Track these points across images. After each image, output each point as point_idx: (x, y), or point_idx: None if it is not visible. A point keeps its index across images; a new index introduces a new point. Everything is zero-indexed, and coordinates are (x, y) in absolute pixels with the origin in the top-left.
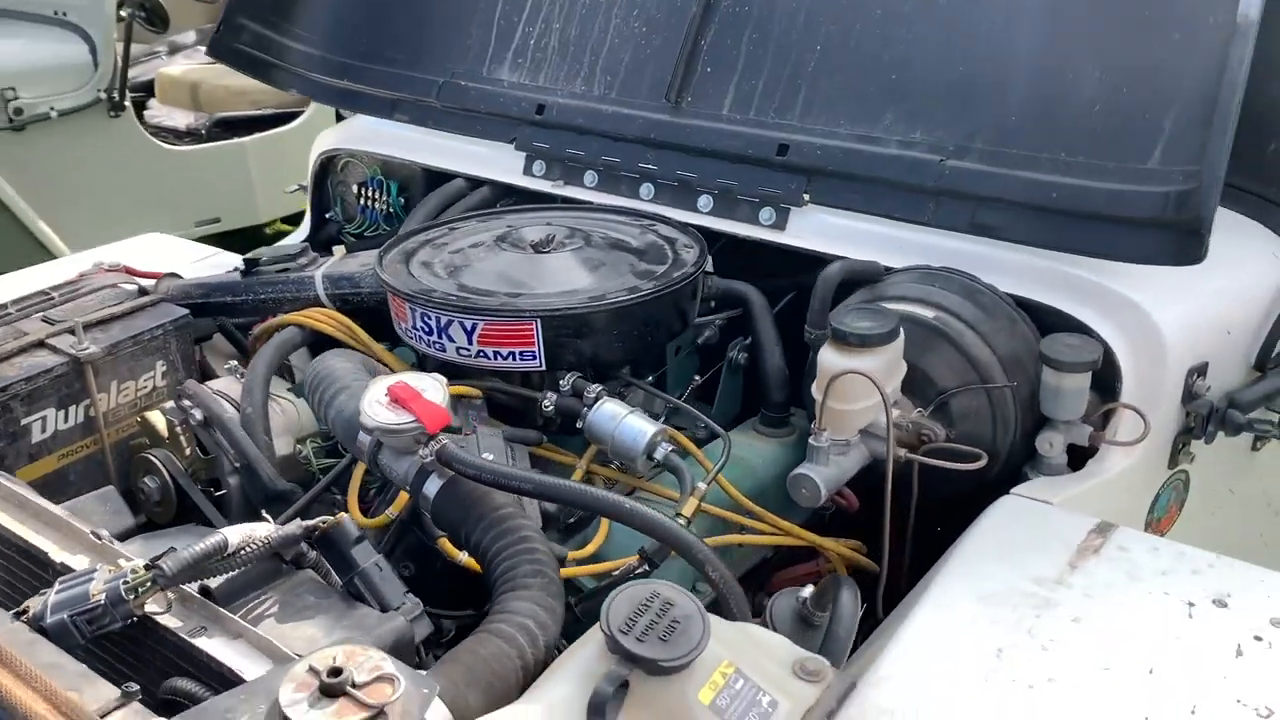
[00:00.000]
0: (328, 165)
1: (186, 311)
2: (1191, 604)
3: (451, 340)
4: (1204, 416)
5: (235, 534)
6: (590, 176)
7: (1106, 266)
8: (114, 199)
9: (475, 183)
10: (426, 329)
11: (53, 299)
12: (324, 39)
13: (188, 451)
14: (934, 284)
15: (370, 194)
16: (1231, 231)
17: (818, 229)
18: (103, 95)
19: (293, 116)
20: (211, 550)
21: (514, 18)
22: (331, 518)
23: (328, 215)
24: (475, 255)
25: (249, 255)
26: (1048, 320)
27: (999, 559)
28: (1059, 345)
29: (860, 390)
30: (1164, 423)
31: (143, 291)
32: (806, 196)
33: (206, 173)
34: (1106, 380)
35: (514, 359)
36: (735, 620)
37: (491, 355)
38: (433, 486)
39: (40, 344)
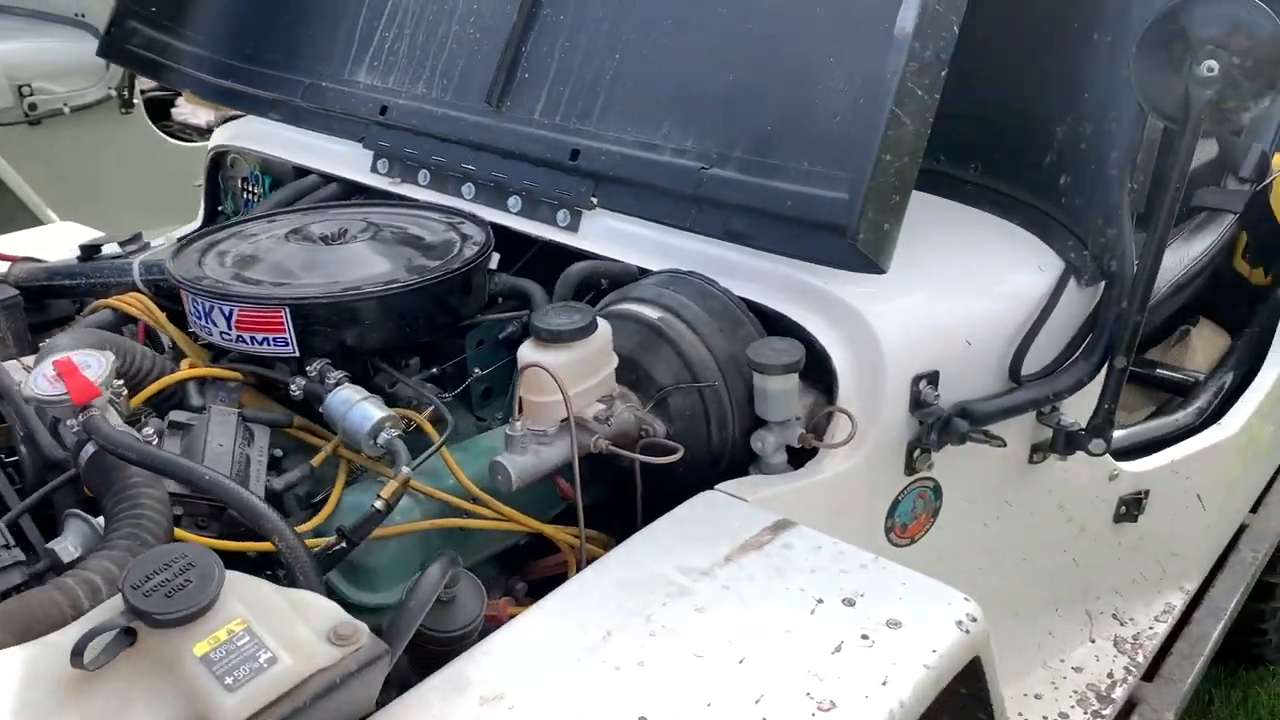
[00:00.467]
0: (219, 160)
1: (16, 292)
2: (820, 601)
3: (215, 324)
4: (930, 425)
5: None
6: (423, 175)
7: (840, 275)
8: (123, 192)
9: (329, 179)
10: (196, 313)
11: None
12: (211, 41)
13: None
14: (671, 286)
15: (250, 189)
16: (998, 242)
17: (604, 232)
18: (113, 93)
19: None
20: None
21: (374, 23)
22: None
23: (220, 208)
24: (265, 247)
25: (87, 242)
26: (781, 325)
27: (662, 547)
28: (764, 349)
29: (544, 382)
30: (891, 429)
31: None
32: (594, 200)
33: None
34: (829, 384)
35: (268, 344)
36: (300, 587)
37: (249, 340)
38: (86, 456)
39: None
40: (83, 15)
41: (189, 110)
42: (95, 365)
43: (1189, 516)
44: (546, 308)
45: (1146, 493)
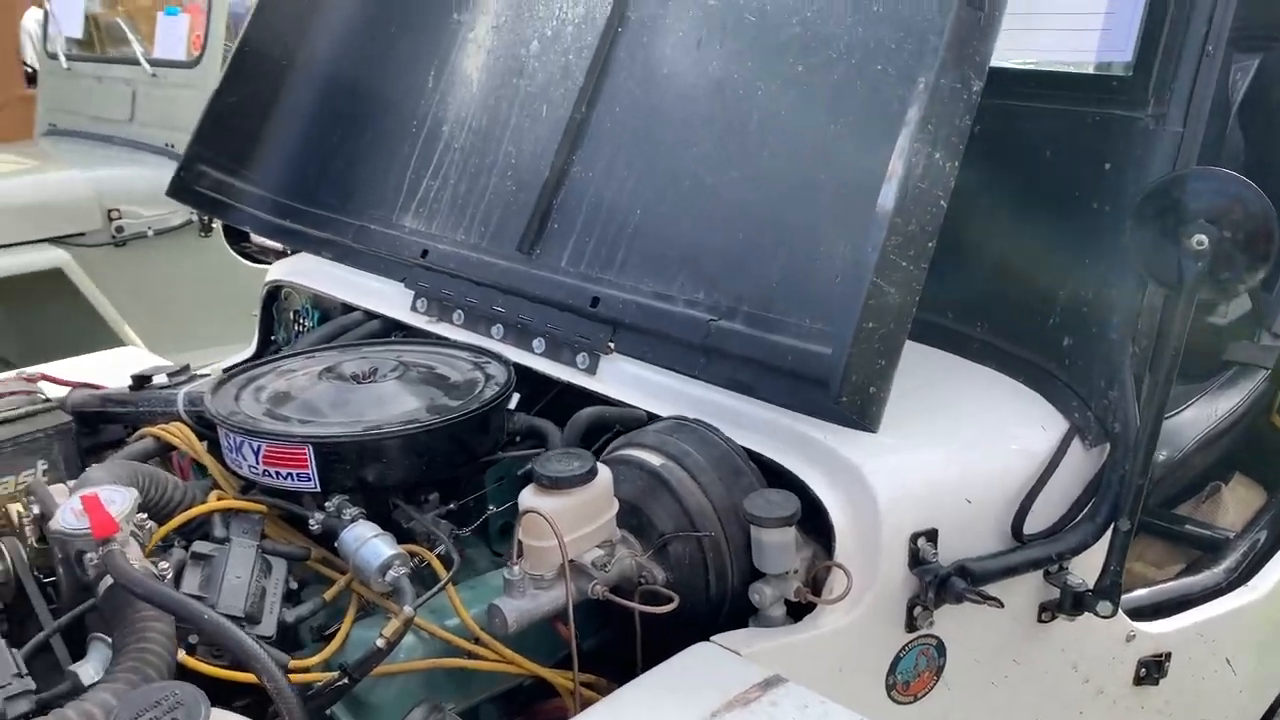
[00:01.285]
0: (275, 293)
1: (69, 419)
2: None
3: (245, 459)
4: (927, 583)
5: None
6: (458, 315)
7: (841, 429)
8: (198, 311)
9: (372, 316)
10: (229, 446)
11: None
12: (271, 183)
13: (31, 541)
14: (675, 434)
15: (301, 322)
16: (1002, 400)
17: (620, 376)
18: (194, 218)
19: None
20: None
21: (421, 172)
22: None
23: (273, 338)
24: (299, 384)
25: (139, 371)
26: (781, 476)
27: (651, 702)
28: (761, 501)
29: (541, 528)
30: (890, 585)
31: (46, 400)
32: (611, 345)
33: None
34: (827, 538)
35: (292, 480)
36: None
37: (275, 475)
38: (103, 588)
39: None
40: (172, 146)
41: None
42: (119, 501)
43: (1217, 681)
44: (548, 454)
45: (1168, 655)
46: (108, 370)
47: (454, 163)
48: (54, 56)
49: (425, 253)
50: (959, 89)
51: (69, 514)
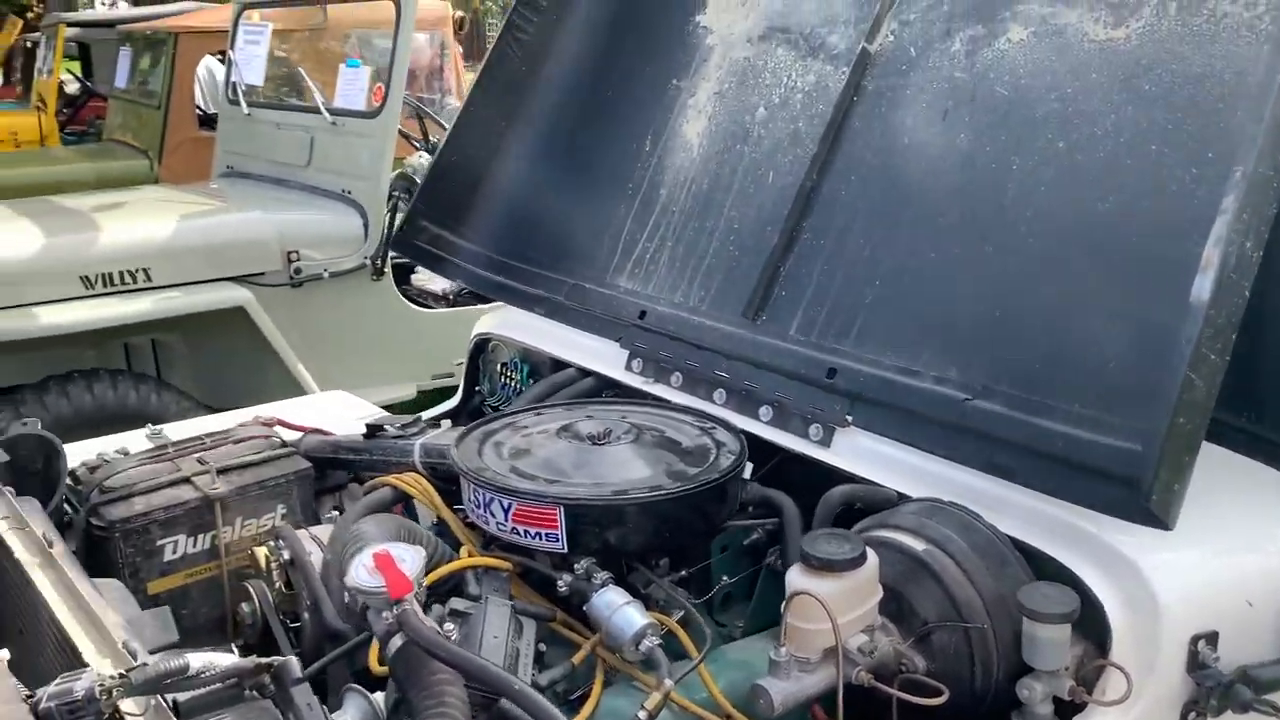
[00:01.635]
0: (482, 345)
1: (309, 465)
2: None
3: (493, 515)
4: (1209, 689)
5: (198, 660)
6: (676, 377)
7: (1112, 521)
8: (366, 350)
9: (585, 373)
10: (476, 502)
11: (205, 443)
12: (485, 240)
13: (278, 585)
14: (934, 517)
15: (509, 374)
16: (1277, 497)
17: (858, 451)
18: (367, 262)
19: None
20: (173, 670)
21: (637, 235)
22: (280, 658)
23: (477, 388)
24: (539, 442)
25: (373, 421)
26: (1046, 567)
27: None
28: (1036, 594)
29: (813, 611)
30: (1166, 689)
31: (284, 444)
32: (849, 419)
33: (447, 333)
34: (1100, 635)
35: (540, 539)
36: None
37: (522, 533)
38: (394, 646)
39: (185, 480)
40: (348, 192)
41: (426, 277)
42: (410, 560)
43: None
44: (816, 534)
45: None
46: (321, 413)
47: (672, 225)
48: (235, 102)
49: (643, 314)
50: (1271, 177)
51: (362, 571)
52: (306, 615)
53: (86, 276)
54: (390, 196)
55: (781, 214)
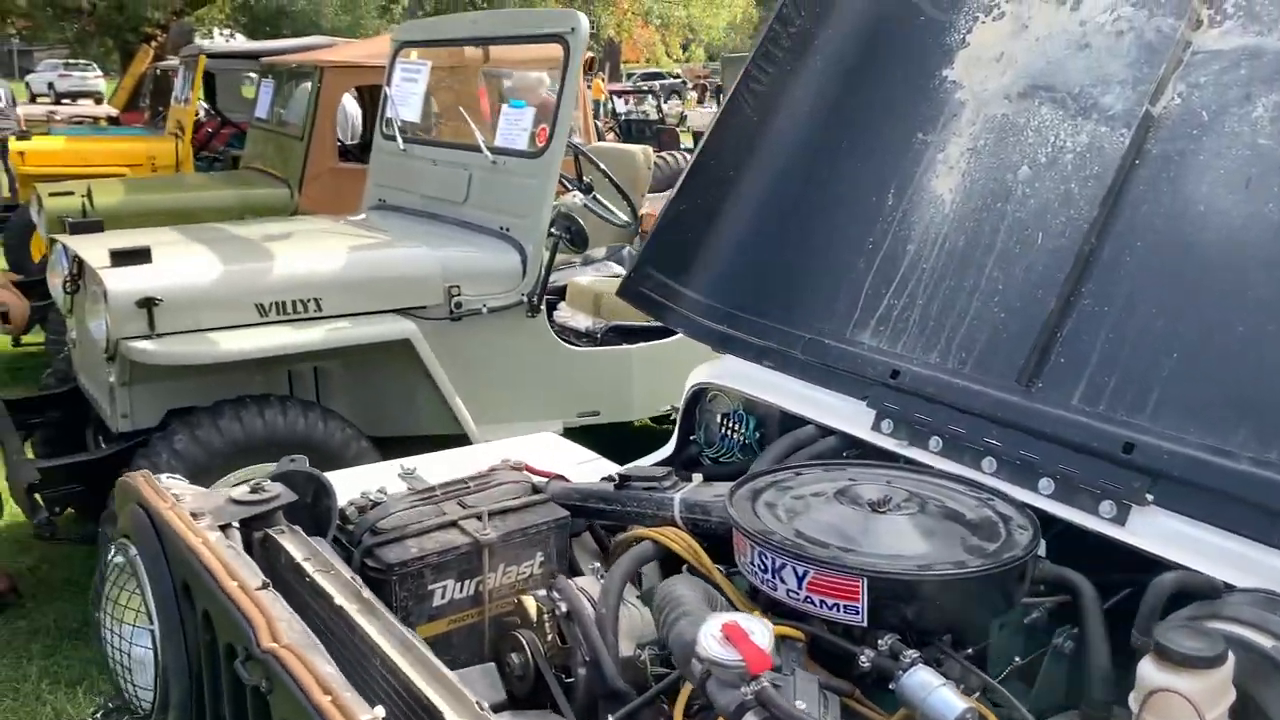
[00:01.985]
0: (699, 395)
1: (567, 514)
2: None
3: (783, 582)
4: None
5: None
6: (935, 442)
7: None
8: (518, 385)
9: (825, 431)
10: (762, 566)
11: (469, 487)
12: (712, 290)
13: (550, 638)
14: (1276, 611)
15: (731, 425)
16: None
17: (1159, 531)
18: (524, 298)
19: (674, 332)
20: None
21: (881, 290)
22: None
23: (691, 438)
24: (815, 504)
25: (622, 471)
26: None
27: None
28: None
29: (1177, 711)
30: None
31: (535, 489)
32: (1150, 497)
33: (595, 371)
34: None
35: (838, 610)
36: None
37: (817, 603)
38: None
39: (454, 524)
40: (506, 229)
41: (569, 314)
42: (760, 633)
43: None
44: (1169, 626)
45: None
46: (539, 456)
47: (922, 282)
48: (390, 138)
49: (895, 373)
50: None
51: (712, 642)
52: (582, 671)
53: (261, 304)
54: (550, 235)
55: (1056, 277)
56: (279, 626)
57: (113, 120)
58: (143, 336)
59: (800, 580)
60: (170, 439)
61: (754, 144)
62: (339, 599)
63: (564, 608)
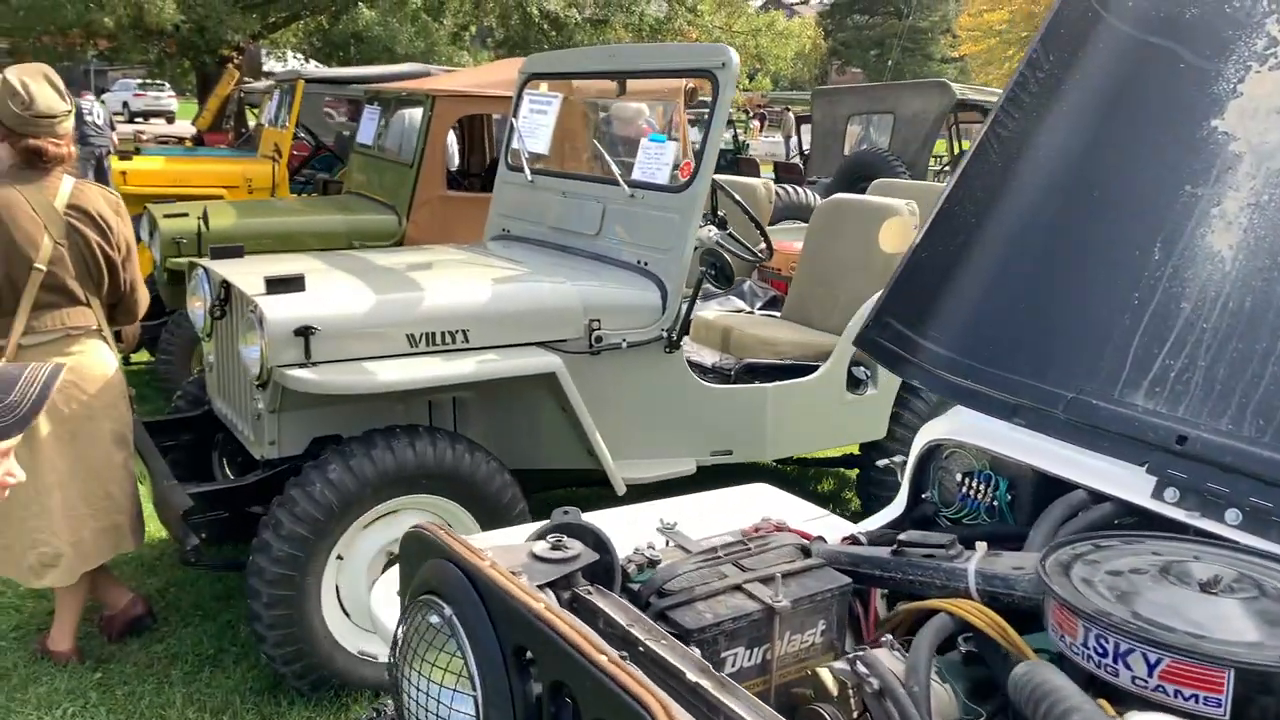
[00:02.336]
0: (933, 452)
1: (849, 581)
2: None
3: (1129, 669)
4: None
5: None
6: (1233, 514)
7: None
8: (654, 421)
9: (1097, 497)
10: (1100, 650)
11: (748, 549)
12: (954, 342)
13: (855, 714)
14: None
15: (975, 485)
16: None
17: None
18: (664, 334)
19: (810, 369)
20: None
21: (1153, 349)
22: None
23: (923, 496)
24: (1140, 582)
25: (901, 537)
26: None
27: None
28: None
29: None
30: None
31: (805, 552)
32: None
33: (730, 409)
34: None
35: (1196, 702)
36: None
37: (1171, 693)
38: None
39: (739, 588)
40: (645, 263)
41: (694, 349)
42: None
43: None
44: None
45: None
46: (762, 508)
47: (1203, 343)
48: (515, 169)
49: (1182, 439)
50: None
51: None
52: None
53: (412, 334)
54: (699, 271)
55: None
56: (676, 712)
57: (197, 141)
58: (298, 364)
59: (1152, 668)
60: (324, 468)
61: (1001, 191)
62: (691, 674)
63: (875, 684)
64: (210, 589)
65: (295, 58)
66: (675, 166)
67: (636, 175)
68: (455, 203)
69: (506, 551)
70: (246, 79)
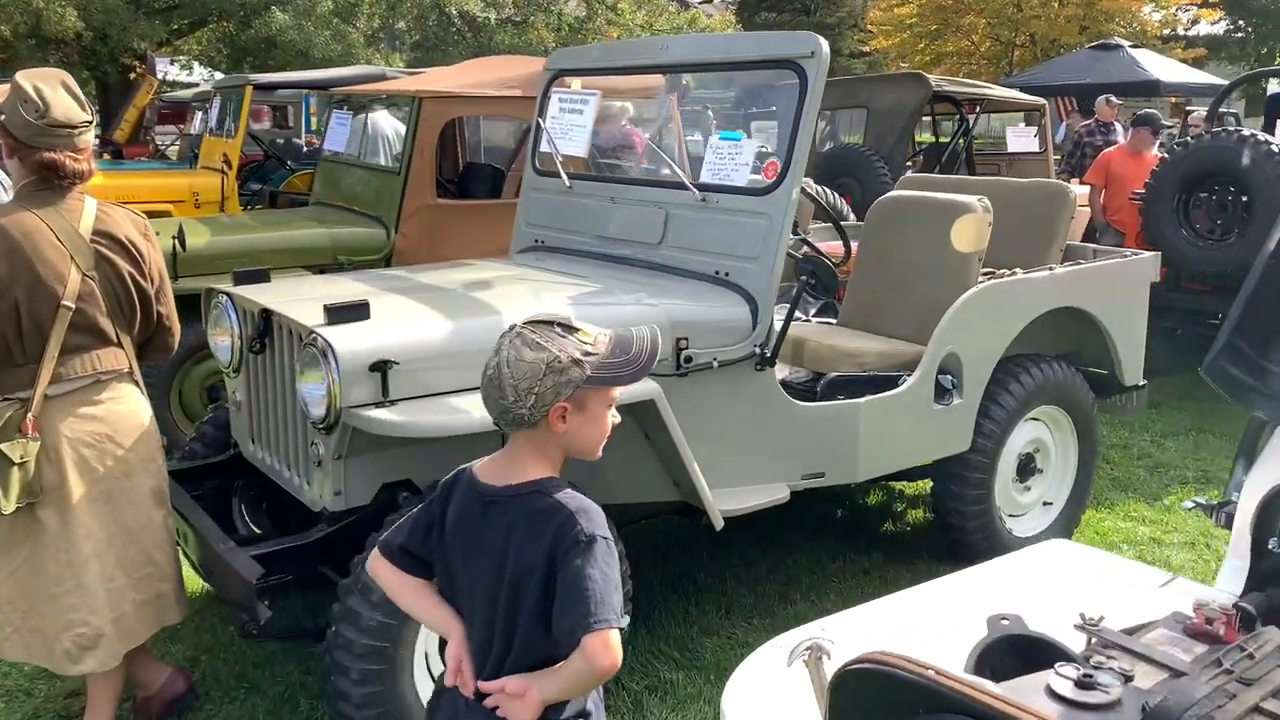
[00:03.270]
0: (1276, 498)
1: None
2: None
3: None
4: None
5: None
6: None
7: None
8: (745, 445)
9: None
10: None
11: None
12: None
13: None
14: None
15: None
16: None
17: None
18: (757, 350)
19: (895, 381)
20: None
21: None
22: None
23: (1271, 546)
24: None
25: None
26: None
27: None
28: None
29: None
30: None
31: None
32: None
33: (821, 429)
34: None
35: None
36: None
37: None
38: None
39: (1257, 710)
40: (725, 274)
41: (783, 369)
42: None
43: None
44: None
45: None
46: (1069, 578)
47: None
48: (546, 174)
49: None
50: None
51: None
52: None
53: None
54: (797, 280)
55: None
56: None
57: (115, 154)
58: (374, 404)
59: None
60: None
61: None
62: None
63: None
64: (250, 655)
65: (203, 68)
66: (757, 167)
67: (705, 177)
68: (445, 211)
69: (1013, 691)
70: (165, 89)
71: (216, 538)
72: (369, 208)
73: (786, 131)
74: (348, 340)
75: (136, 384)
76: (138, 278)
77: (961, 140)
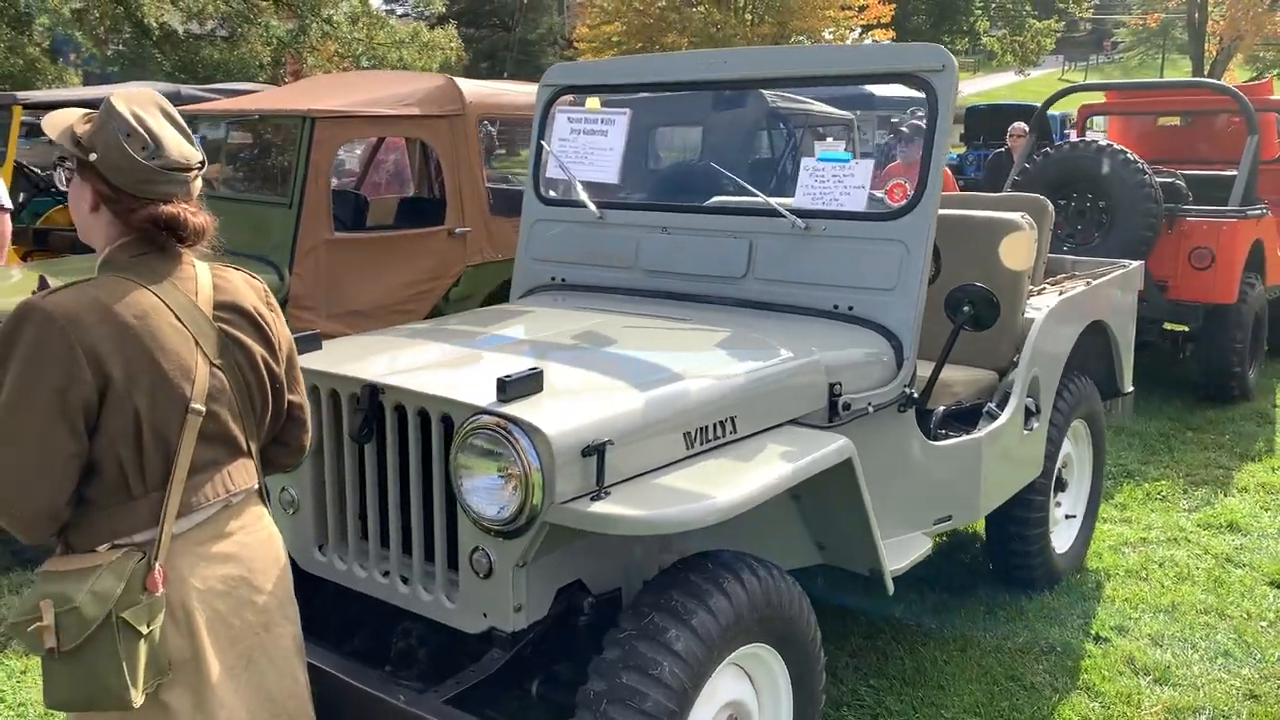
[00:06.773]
0: None
1: None
2: None
3: None
4: None
5: None
6: None
7: None
8: (891, 494)
9: None
10: None
11: None
12: None
13: None
14: None
15: None
16: None
17: None
18: (905, 391)
19: (977, 411)
20: None
21: None
22: None
23: None
24: None
25: None
26: None
27: None
28: None
29: None
30: None
31: None
32: None
33: (950, 469)
34: None
35: None
36: None
37: None
38: None
39: None
40: (849, 308)
41: None
42: None
43: None
44: None
45: None
46: None
47: None
48: (563, 203)
49: None
50: None
51: None
52: None
53: (689, 433)
54: (961, 312)
55: None
56: None
57: None
58: (589, 495)
59: None
60: (660, 638)
61: None
62: None
63: None
64: None
65: None
66: (873, 191)
67: (802, 202)
68: (344, 247)
69: None
70: None
71: (386, 691)
72: (253, 248)
73: (920, 151)
74: (553, 420)
75: (264, 503)
76: (270, 361)
77: None
